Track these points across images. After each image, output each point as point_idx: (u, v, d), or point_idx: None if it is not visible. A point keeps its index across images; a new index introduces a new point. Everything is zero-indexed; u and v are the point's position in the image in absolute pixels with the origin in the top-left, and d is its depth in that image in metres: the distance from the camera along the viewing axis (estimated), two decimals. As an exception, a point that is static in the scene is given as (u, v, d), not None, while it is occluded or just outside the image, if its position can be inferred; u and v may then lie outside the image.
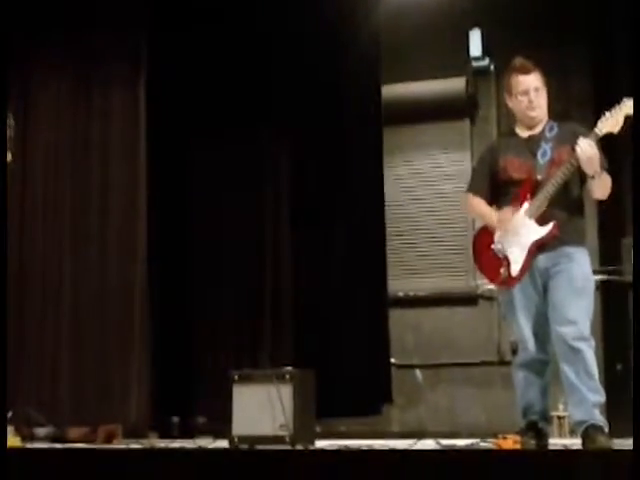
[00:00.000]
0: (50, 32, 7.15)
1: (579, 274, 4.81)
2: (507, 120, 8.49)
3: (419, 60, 8.56)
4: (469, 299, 8.53)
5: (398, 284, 8.28)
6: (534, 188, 4.86)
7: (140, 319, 6.84)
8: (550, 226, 4.81)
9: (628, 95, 4.72)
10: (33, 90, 7.19)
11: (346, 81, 7.30)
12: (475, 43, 8.57)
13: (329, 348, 6.99)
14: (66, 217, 7.08)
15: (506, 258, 4.88)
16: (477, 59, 8.62)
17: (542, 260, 4.84)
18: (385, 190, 7.54)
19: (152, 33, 7.10)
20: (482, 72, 8.68)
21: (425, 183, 8.81)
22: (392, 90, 8.08)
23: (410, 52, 8.46)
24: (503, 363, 8.16)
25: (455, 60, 8.61)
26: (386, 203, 7.54)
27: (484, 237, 5.02)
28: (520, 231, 4.85)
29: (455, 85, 8.63)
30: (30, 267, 6.99)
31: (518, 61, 5.05)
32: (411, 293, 8.61)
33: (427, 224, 8.75)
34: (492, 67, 8.63)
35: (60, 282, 6.98)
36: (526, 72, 4.98)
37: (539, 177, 4.85)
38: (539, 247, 4.84)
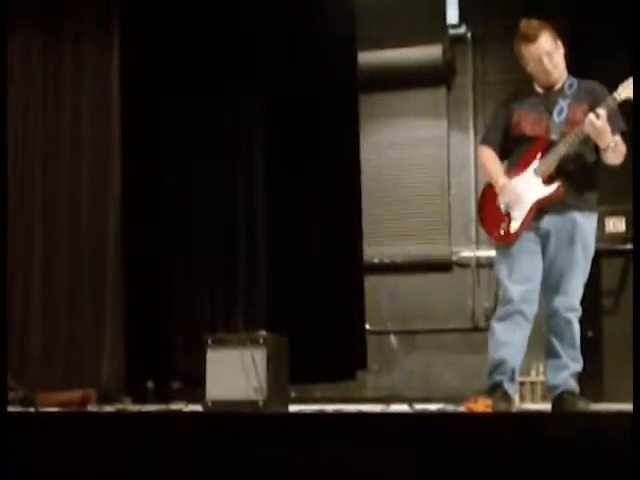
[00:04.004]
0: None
1: (579, 244, 4.79)
2: (483, 88, 8.59)
3: (395, 27, 8.53)
4: (444, 266, 8.55)
5: (373, 250, 8.29)
6: (547, 147, 4.81)
7: (113, 282, 6.82)
8: (555, 187, 4.77)
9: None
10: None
11: (322, 45, 7.26)
12: (452, 10, 8.55)
13: (304, 313, 7.00)
14: (36, 176, 7.02)
15: (508, 214, 4.87)
16: (454, 26, 8.60)
17: (547, 222, 4.81)
18: (361, 156, 7.53)
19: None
20: (459, 39, 8.67)
21: (401, 150, 8.79)
22: (368, 57, 8.05)
23: (386, 19, 8.42)
24: (476, 330, 8.22)
25: (432, 27, 8.59)
26: (362, 169, 7.52)
27: (491, 191, 4.98)
28: (525, 189, 4.82)
29: (432, 52, 8.59)
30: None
31: (523, 27, 4.89)
32: (386, 259, 8.63)
33: (403, 191, 8.74)
34: (469, 34, 8.63)
35: (31, 242, 6.93)
36: (532, 39, 4.85)
37: (553, 137, 4.79)
38: (541, 207, 4.80)
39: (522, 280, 4.83)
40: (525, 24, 4.91)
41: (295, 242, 7.16)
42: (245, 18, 7.28)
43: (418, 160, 8.73)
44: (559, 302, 4.79)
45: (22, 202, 6.98)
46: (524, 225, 4.83)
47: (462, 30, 8.63)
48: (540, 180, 4.81)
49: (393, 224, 8.71)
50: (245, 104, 7.36)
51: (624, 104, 4.72)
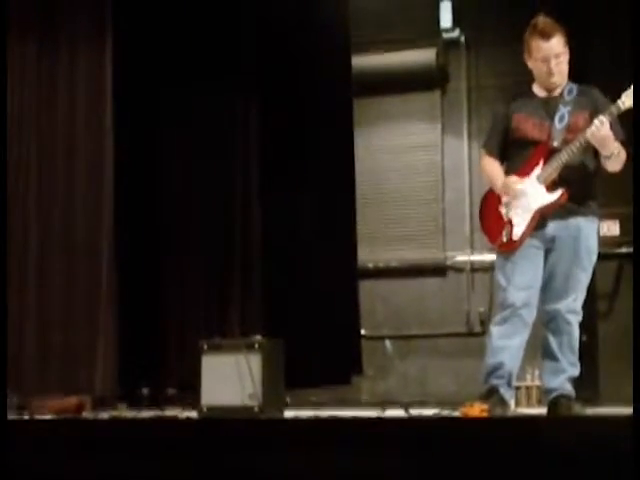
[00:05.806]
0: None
1: (583, 248, 4.79)
2: (477, 92, 8.60)
3: (389, 31, 8.55)
4: (438, 270, 8.56)
5: (368, 255, 8.30)
6: (549, 154, 4.79)
7: (107, 288, 6.79)
8: (558, 194, 4.77)
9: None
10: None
11: (316, 49, 7.27)
12: (445, 14, 8.58)
13: (299, 318, 7.00)
14: (31, 179, 6.97)
15: (510, 221, 4.85)
16: (447, 30, 8.62)
17: (551, 228, 4.80)
18: (355, 161, 7.53)
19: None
20: (452, 43, 8.69)
21: (396, 154, 8.80)
22: (362, 61, 8.07)
23: (380, 23, 8.44)
24: (471, 334, 8.23)
25: (425, 31, 8.61)
26: (356, 173, 7.53)
27: (492, 197, 4.97)
28: (528, 195, 4.80)
29: (425, 56, 8.62)
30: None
31: (540, 22, 4.83)
32: (381, 264, 8.63)
33: (397, 195, 8.75)
34: (462, 38, 8.65)
35: (25, 248, 6.90)
36: (547, 37, 4.78)
37: (555, 143, 4.77)
38: (544, 214, 4.79)
39: (523, 286, 4.82)
40: (542, 20, 4.84)
41: (290, 247, 7.16)
42: (240, 21, 7.28)
43: (412, 164, 8.74)
44: (561, 304, 4.78)
45: (16, 205, 6.95)
46: (527, 232, 4.82)
47: (455, 34, 8.65)
48: (543, 187, 4.81)
49: (388, 229, 8.72)
50: (240, 108, 7.36)
51: (625, 113, 4.72)
